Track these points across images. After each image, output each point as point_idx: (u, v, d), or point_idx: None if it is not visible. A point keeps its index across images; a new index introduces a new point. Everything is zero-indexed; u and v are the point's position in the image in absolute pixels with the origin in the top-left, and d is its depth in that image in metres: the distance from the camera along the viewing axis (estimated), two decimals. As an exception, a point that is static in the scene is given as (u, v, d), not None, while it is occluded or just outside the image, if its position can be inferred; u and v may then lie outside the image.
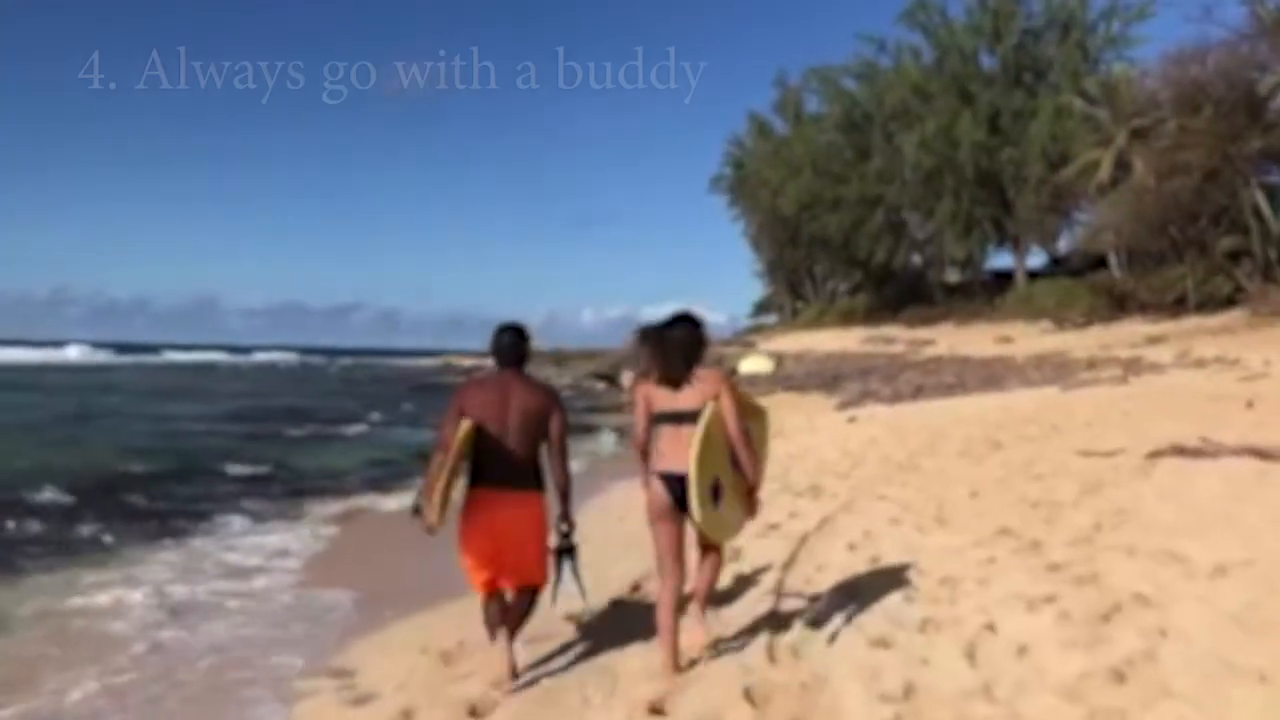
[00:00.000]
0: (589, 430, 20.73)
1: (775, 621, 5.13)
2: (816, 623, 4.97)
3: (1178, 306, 35.73)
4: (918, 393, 20.31)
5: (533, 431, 4.58)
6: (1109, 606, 4.41)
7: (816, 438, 15.31)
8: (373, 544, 9.71)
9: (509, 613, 4.67)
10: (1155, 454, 8.69)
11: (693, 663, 4.48)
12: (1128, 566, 5.12)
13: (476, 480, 4.55)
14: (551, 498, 4.65)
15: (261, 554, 9.04)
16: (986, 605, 4.79)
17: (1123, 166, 40.13)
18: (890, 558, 6.27)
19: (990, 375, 21.59)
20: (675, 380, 4.36)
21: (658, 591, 4.55)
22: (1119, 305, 38.99)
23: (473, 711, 4.42)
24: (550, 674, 4.80)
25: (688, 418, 4.29)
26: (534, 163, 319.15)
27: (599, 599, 5.95)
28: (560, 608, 5.17)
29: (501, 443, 4.51)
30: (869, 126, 58.74)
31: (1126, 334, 32.70)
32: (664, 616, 4.41)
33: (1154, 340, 28.58)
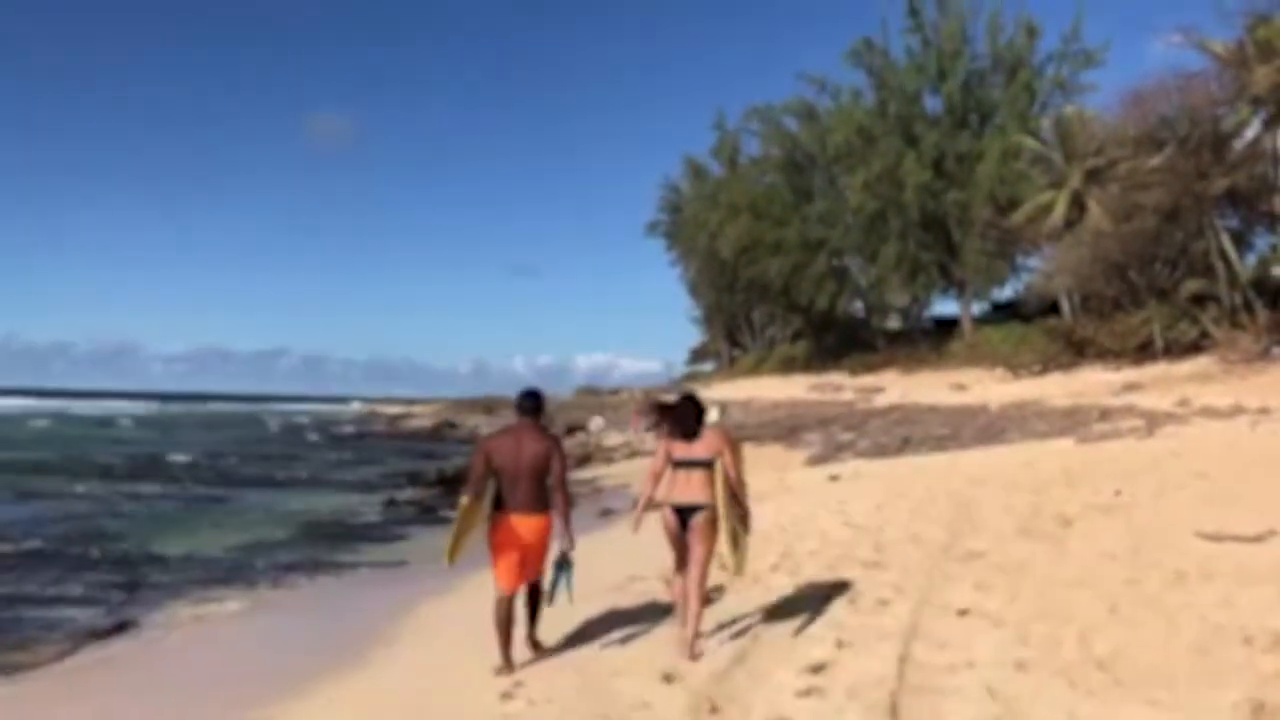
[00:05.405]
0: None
1: None
2: None
3: (1140, 353, 34.03)
4: (904, 445, 17.76)
5: (539, 470, 5.79)
6: None
7: (803, 502, 12.59)
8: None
9: (525, 602, 6.01)
10: (1344, 543, 6.11)
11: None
12: None
13: (499, 506, 5.82)
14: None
15: None
16: None
17: (1077, 208, 38.69)
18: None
19: (987, 426, 19.13)
20: (690, 436, 5.78)
21: (675, 584, 5.94)
22: (1077, 351, 37.17)
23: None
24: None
25: (698, 465, 5.71)
26: (464, 211, 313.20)
27: None
28: (556, 604, 5.95)
29: (517, 479, 5.78)
30: (811, 168, 57.00)
31: (1094, 381, 30.78)
32: (680, 601, 5.80)
33: (1131, 387, 26.61)
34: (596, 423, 36.04)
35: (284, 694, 5.89)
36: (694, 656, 5.53)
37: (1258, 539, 6.70)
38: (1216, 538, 6.96)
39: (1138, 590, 5.89)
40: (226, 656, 7.18)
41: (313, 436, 45.22)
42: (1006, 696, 4.35)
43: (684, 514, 5.66)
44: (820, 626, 5.98)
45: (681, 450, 5.74)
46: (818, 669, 5.12)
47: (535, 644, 6.09)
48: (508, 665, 5.72)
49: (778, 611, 6.54)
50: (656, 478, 5.81)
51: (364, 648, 6.92)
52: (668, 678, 5.22)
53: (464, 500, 5.76)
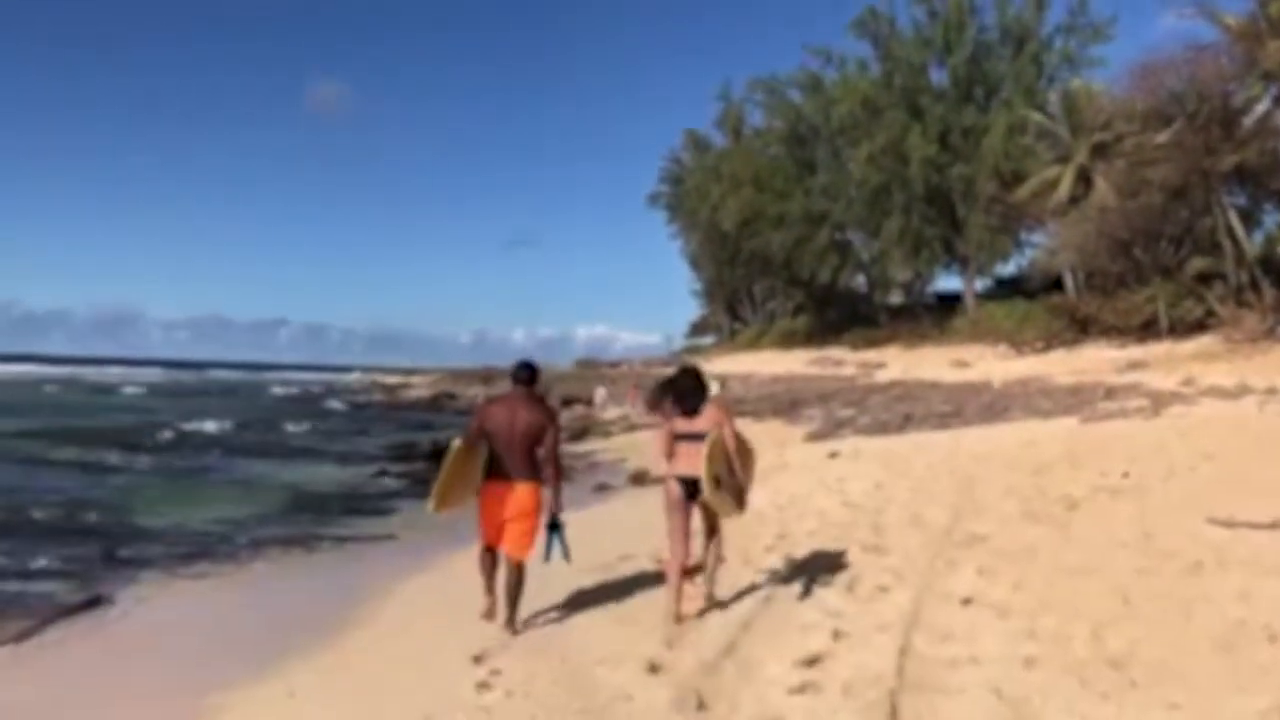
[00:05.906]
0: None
1: None
2: None
3: (1145, 331, 33.65)
4: (906, 423, 17.45)
5: (532, 440, 5.94)
6: None
7: (801, 480, 12.32)
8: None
9: (505, 586, 5.94)
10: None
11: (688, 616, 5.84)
12: None
13: (490, 474, 5.94)
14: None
15: None
16: None
17: (1083, 183, 38.16)
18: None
19: (990, 404, 18.81)
20: (691, 411, 5.94)
21: (668, 559, 6.00)
22: (1081, 329, 36.76)
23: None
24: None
25: (699, 437, 5.83)
26: (466, 181, 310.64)
27: None
28: (552, 564, 6.02)
29: (510, 446, 5.91)
30: (814, 141, 56.34)
31: (1098, 359, 30.48)
32: (672, 578, 5.89)
33: (1135, 366, 26.28)
34: (600, 394, 35.60)
35: (252, 674, 5.62)
36: (685, 618, 5.79)
37: (1273, 525, 6.41)
38: (1229, 524, 6.67)
39: (1151, 580, 5.61)
40: (198, 633, 6.90)
41: (315, 406, 44.99)
42: (1014, 697, 4.06)
43: (689, 486, 5.82)
44: (816, 614, 5.69)
45: (684, 424, 5.92)
46: (812, 662, 4.84)
47: (514, 631, 5.95)
48: (490, 606, 6.01)
49: (771, 597, 6.27)
50: (669, 459, 5.96)
51: (340, 627, 6.64)
52: (653, 668, 4.95)
53: (455, 442, 5.90)
